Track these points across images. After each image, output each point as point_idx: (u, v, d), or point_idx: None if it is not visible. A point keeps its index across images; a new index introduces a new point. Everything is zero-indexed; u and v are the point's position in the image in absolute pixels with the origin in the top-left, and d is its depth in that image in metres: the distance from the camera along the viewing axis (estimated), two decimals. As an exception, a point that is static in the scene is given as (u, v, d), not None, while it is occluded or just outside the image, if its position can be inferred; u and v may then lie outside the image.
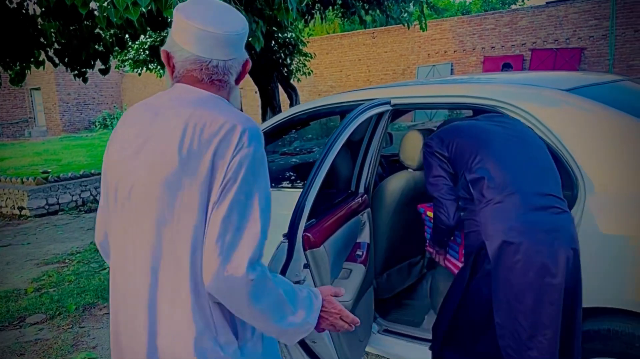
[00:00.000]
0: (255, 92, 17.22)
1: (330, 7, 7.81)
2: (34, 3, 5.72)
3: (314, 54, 12.09)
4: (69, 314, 4.04)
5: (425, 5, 8.46)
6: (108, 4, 3.96)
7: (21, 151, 15.18)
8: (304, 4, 4.91)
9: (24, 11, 6.03)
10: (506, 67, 8.51)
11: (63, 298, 4.36)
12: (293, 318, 1.21)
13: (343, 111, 3.25)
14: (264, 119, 10.37)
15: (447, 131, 2.14)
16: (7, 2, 6.02)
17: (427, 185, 2.16)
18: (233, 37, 1.22)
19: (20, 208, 8.26)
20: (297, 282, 1.86)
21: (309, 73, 11.55)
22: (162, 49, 1.27)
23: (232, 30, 1.22)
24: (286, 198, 2.60)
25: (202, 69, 1.23)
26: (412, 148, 2.72)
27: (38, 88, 22.87)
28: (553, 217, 1.78)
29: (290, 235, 1.79)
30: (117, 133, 1.28)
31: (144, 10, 3.54)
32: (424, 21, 8.06)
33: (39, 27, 5.82)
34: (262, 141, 1.19)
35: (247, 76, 10.51)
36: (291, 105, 10.75)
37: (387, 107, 2.51)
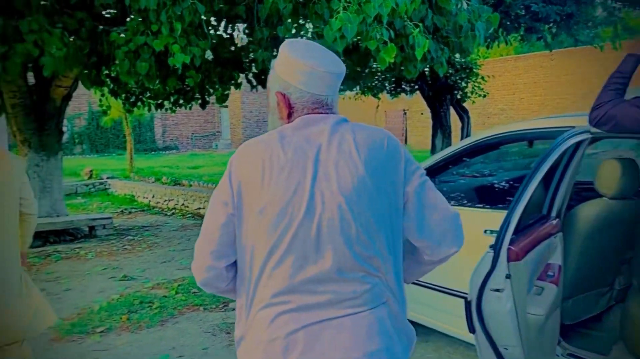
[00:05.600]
0: (422, 114, 17.40)
1: (514, 31, 7.78)
2: (244, 32, 6.66)
3: (488, 76, 11.96)
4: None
5: (619, 26, 8.02)
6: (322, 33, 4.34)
7: (211, 160, 17.26)
8: (491, 30, 5.04)
9: (235, 41, 7.08)
10: None
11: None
12: None
13: (534, 137, 3.37)
14: (434, 140, 10.57)
15: None
16: (223, 33, 7.08)
17: None
18: (341, 76, 1.37)
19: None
20: (497, 290, 2.06)
21: (484, 96, 11.49)
22: (276, 91, 1.36)
23: (341, 70, 1.36)
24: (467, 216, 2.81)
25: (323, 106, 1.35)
26: (609, 177, 2.75)
27: (226, 106, 25.70)
28: None
29: (496, 247, 2.00)
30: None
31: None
32: (618, 42, 7.67)
33: (250, 54, 6.70)
34: None
35: (417, 97, 10.65)
36: (462, 127, 10.79)
37: (587, 136, 2.59)
